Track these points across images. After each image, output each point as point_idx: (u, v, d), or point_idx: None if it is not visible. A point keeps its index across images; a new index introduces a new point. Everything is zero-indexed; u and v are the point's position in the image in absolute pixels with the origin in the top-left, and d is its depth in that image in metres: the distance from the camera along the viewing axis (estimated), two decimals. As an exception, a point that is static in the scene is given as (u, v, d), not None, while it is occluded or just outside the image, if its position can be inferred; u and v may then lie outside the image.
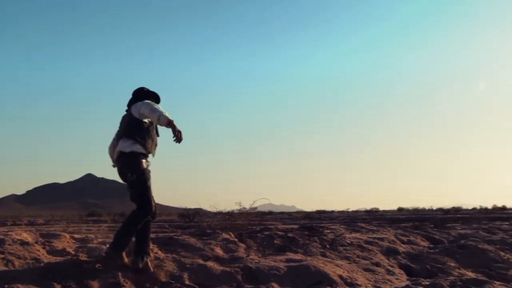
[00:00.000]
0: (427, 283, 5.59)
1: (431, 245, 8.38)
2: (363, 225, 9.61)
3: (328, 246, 6.76)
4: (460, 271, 6.64)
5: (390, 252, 7.15)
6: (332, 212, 57.01)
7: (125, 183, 5.05)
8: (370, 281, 5.58)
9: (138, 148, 5.02)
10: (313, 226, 8.28)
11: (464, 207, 57.88)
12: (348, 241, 7.11)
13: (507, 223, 13.44)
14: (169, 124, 4.84)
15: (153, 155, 5.27)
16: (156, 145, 5.31)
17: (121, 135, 5.13)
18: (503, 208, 49.74)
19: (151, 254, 5.13)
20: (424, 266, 6.74)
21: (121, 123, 5.34)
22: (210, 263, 5.24)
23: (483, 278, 6.12)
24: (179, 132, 4.85)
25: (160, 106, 5.05)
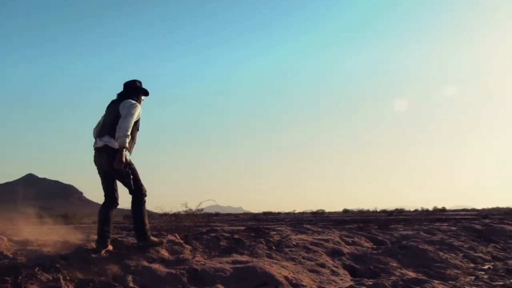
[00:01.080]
0: (370, 283, 5.71)
1: (375, 246, 8.55)
2: (309, 226, 9.71)
3: (274, 247, 6.78)
4: (402, 271, 6.81)
5: (335, 253, 7.25)
6: (279, 213, 57.31)
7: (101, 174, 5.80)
8: (315, 282, 5.64)
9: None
10: (259, 228, 8.30)
11: (407, 208, 59.37)
12: (294, 243, 7.16)
13: (446, 224, 13.88)
14: (120, 149, 5.43)
15: (130, 153, 5.79)
16: (134, 143, 5.86)
17: (108, 130, 5.65)
18: (443, 210, 51.32)
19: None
20: (367, 266, 6.86)
21: (109, 113, 5.85)
22: (155, 265, 5.17)
23: (423, 277, 6.31)
24: (121, 162, 5.41)
25: (132, 121, 5.57)
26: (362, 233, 9.51)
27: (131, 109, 5.60)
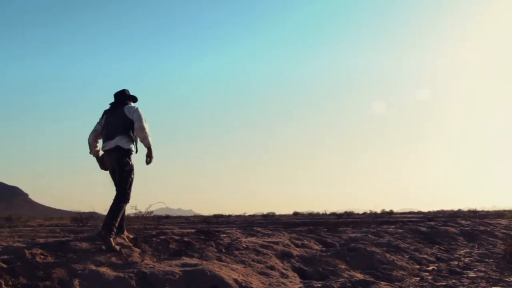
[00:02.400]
0: (319, 285, 5.77)
1: (324, 249, 8.64)
2: (259, 229, 9.72)
3: (224, 250, 6.76)
4: (350, 273, 6.92)
5: (285, 256, 7.29)
6: (230, 216, 57.16)
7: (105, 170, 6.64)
8: (265, 284, 5.65)
9: (131, 146, 6.44)
10: (209, 231, 8.25)
11: (356, 211, 60.39)
12: (244, 245, 7.16)
13: (393, 226, 14.17)
14: (149, 148, 6.37)
15: (136, 152, 6.55)
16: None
17: (119, 132, 6.35)
18: (391, 213, 52.45)
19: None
20: (316, 268, 6.94)
21: (109, 119, 6.54)
22: (103, 269, 5.05)
23: (371, 279, 6.44)
24: (152, 157, 6.39)
25: (145, 122, 6.33)
26: (312, 236, 9.60)
27: (139, 112, 6.39)
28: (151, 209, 8.25)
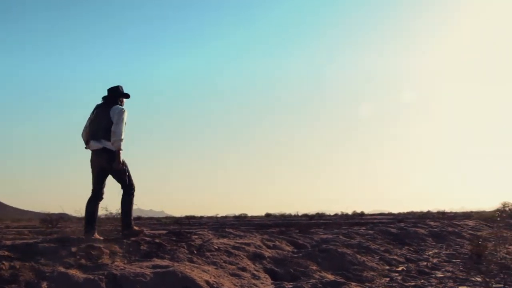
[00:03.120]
0: (290, 286, 5.81)
1: (295, 250, 8.69)
2: (231, 230, 9.72)
3: (195, 251, 6.74)
4: (321, 274, 6.97)
5: (256, 257, 7.30)
6: (202, 217, 56.94)
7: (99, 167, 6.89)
8: (236, 285, 5.66)
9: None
10: (181, 232, 8.20)
11: (327, 213, 60.81)
12: (216, 247, 7.15)
13: (364, 228, 14.31)
14: (118, 151, 6.68)
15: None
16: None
17: (103, 134, 6.74)
18: (362, 214, 53.04)
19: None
20: (288, 270, 6.96)
21: (97, 116, 6.93)
22: (72, 271, 4.97)
23: (341, 279, 6.50)
24: (119, 163, 6.69)
25: (124, 126, 6.75)
26: (283, 237, 9.63)
27: (121, 115, 6.73)
28: (122, 210, 8.17)
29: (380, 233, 12.14)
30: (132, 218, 7.04)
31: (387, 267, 8.33)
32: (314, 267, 7.26)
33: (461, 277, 7.70)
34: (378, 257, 8.98)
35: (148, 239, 6.99)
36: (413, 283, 7.04)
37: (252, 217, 58.72)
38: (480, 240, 10.55)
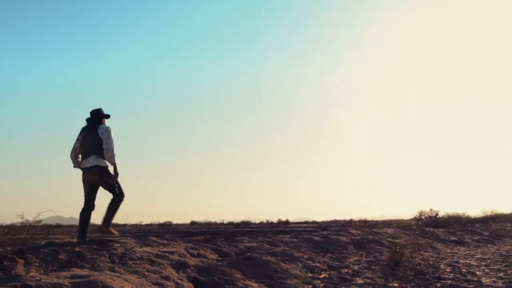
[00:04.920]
0: (214, 295, 5.76)
1: (220, 258, 8.65)
2: (154, 238, 9.52)
3: (117, 260, 6.55)
4: (245, 282, 6.97)
5: (180, 266, 7.21)
6: (125, 225, 55.78)
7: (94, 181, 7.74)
8: (159, 295, 5.55)
9: (106, 163, 7.75)
10: (102, 240, 7.95)
11: (253, 221, 61.14)
12: (138, 255, 6.99)
13: (288, 236, 14.47)
14: (114, 165, 7.76)
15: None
16: None
17: (93, 152, 7.67)
18: (287, 222, 53.79)
19: None
20: (212, 278, 6.91)
21: (86, 137, 7.84)
22: (-19, 283, 4.71)
23: (265, 287, 6.53)
24: (118, 174, 7.76)
25: (113, 142, 7.73)
26: (208, 245, 9.57)
27: (109, 133, 7.69)
28: (40, 217, 7.83)
29: (304, 241, 12.31)
30: (112, 219, 8.02)
31: (310, 275, 8.45)
32: (239, 275, 7.25)
33: (379, 283, 7.97)
34: (301, 265, 9.10)
35: (67, 248, 6.73)
36: (334, 290, 7.19)
37: (177, 225, 58.18)
38: (398, 247, 10.95)
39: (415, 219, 30.40)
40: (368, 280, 8.21)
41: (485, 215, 35.38)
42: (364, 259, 11.13)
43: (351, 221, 54.11)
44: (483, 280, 8.66)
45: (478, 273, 9.56)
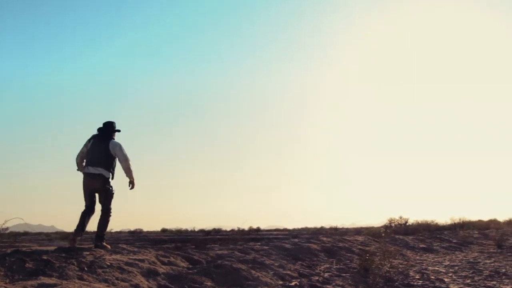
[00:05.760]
0: (184, 303, 5.72)
1: (191, 266, 8.61)
2: (124, 246, 9.43)
3: (86, 268, 6.46)
4: (216, 290, 6.95)
5: (150, 273, 7.15)
6: (94, 232, 54.96)
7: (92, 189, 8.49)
8: (128, 303, 5.49)
9: (111, 175, 8.51)
10: (71, 248, 7.85)
11: (224, 228, 60.90)
12: (108, 263, 6.90)
13: (259, 243, 14.48)
14: (133, 180, 8.63)
15: (113, 178, 8.70)
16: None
17: (101, 164, 8.33)
18: (258, 230, 53.73)
19: None
20: (182, 286, 6.88)
21: (94, 146, 8.44)
22: None
23: (236, 296, 6.51)
24: (134, 185, 8.72)
25: (129, 159, 8.55)
26: (179, 253, 9.51)
27: (123, 150, 8.43)
28: (7, 225, 7.71)
29: (275, 249, 12.32)
30: (105, 234, 8.68)
31: (281, 282, 8.46)
32: (209, 283, 7.23)
33: (350, 290, 8.01)
34: (272, 272, 9.10)
35: (34, 256, 6.61)
36: (305, 298, 7.21)
37: (148, 232, 57.64)
38: (368, 255, 11.06)
39: (385, 226, 30.72)
40: (339, 288, 8.26)
41: (453, 222, 35.93)
42: (334, 267, 11.19)
43: (322, 228, 54.41)
44: (451, 286, 8.82)
45: (446, 280, 9.72)
